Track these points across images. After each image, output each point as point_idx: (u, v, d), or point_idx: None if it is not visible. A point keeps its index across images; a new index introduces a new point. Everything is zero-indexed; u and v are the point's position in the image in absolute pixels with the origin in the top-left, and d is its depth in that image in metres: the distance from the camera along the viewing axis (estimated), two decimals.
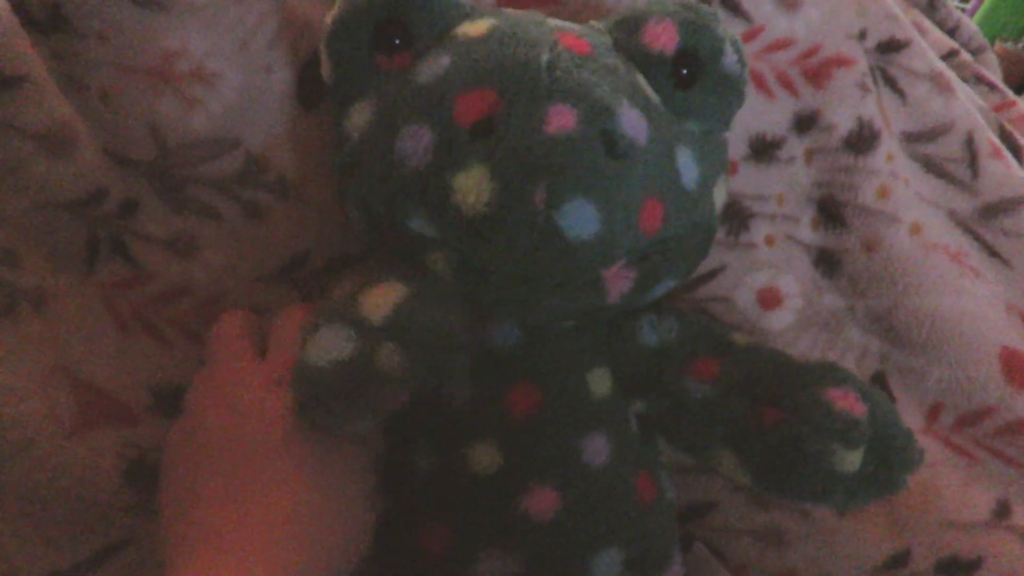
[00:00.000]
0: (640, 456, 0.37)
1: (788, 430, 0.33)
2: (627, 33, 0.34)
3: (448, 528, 0.34)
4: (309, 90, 0.40)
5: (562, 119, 0.30)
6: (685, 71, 0.34)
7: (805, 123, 0.44)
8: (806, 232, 0.45)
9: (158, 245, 0.39)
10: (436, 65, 0.32)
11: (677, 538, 0.38)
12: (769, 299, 0.44)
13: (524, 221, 0.30)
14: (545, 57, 0.31)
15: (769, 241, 0.44)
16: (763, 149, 0.44)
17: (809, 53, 0.44)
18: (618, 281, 0.33)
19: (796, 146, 0.44)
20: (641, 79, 0.33)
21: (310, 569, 0.29)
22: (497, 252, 0.31)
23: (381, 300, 0.29)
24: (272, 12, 0.39)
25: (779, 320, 0.44)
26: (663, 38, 0.34)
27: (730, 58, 0.35)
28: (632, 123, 0.31)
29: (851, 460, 0.32)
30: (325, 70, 0.35)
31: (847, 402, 0.33)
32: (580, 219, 0.30)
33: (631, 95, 0.32)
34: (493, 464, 0.34)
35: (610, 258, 0.31)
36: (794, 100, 0.44)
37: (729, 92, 0.35)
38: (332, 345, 0.28)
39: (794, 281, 0.44)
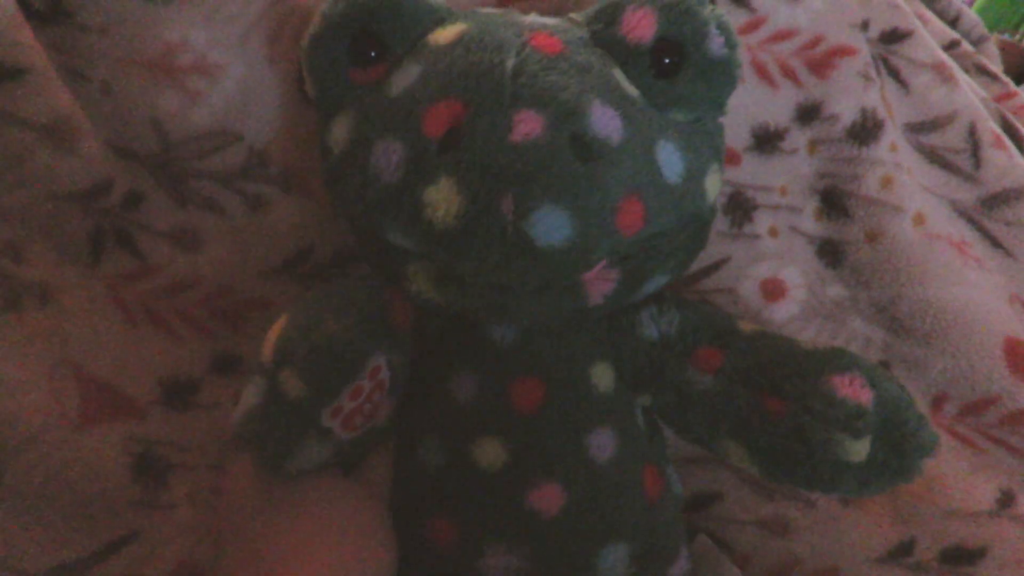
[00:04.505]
0: (646, 451, 0.37)
1: (791, 421, 0.33)
2: (604, 24, 0.33)
3: (455, 523, 0.34)
4: None
5: (528, 126, 0.29)
6: (668, 60, 0.33)
7: (808, 114, 0.44)
8: (809, 223, 0.45)
9: (163, 238, 0.38)
10: (406, 76, 0.32)
11: (683, 532, 0.38)
12: (773, 290, 0.44)
13: (493, 232, 0.29)
14: (511, 62, 0.31)
15: (772, 232, 0.44)
16: (766, 140, 0.44)
17: (812, 43, 0.44)
18: (600, 283, 0.32)
19: (799, 137, 0.44)
20: (618, 73, 0.32)
21: None
22: (471, 263, 0.30)
23: (271, 335, 0.31)
24: (274, 4, 0.39)
25: (783, 311, 0.44)
26: (640, 28, 0.33)
27: (715, 42, 0.33)
28: (604, 123, 0.30)
29: (858, 449, 0.32)
30: (308, 85, 0.35)
31: (852, 390, 0.32)
32: (550, 226, 0.29)
33: (604, 93, 0.31)
34: (499, 460, 0.34)
35: (586, 262, 0.31)
36: (797, 90, 0.44)
37: (718, 76, 0.34)
38: (247, 396, 0.31)
39: (797, 272, 0.44)
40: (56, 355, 0.36)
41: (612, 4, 0.34)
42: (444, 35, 0.33)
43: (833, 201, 0.44)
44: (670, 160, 0.32)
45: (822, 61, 0.44)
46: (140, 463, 0.37)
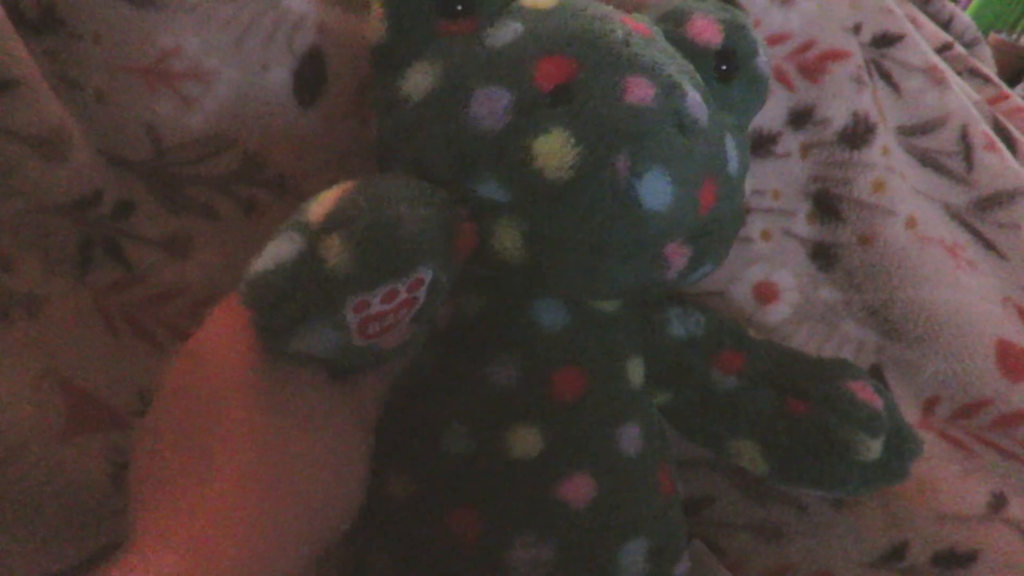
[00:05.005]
0: (663, 448, 0.37)
1: (815, 420, 0.35)
2: (673, 25, 0.35)
3: (481, 513, 0.33)
4: (306, 87, 0.40)
5: (641, 91, 0.30)
6: (724, 67, 0.35)
7: (800, 117, 0.44)
8: (802, 226, 0.45)
9: (153, 246, 0.38)
10: (509, 31, 0.32)
11: (685, 533, 0.38)
12: (766, 293, 0.44)
13: (606, 187, 0.30)
14: (619, 32, 0.32)
15: (765, 235, 0.44)
16: (759, 144, 0.44)
17: (804, 47, 0.44)
18: (677, 257, 0.33)
19: (792, 141, 0.45)
20: (692, 67, 0.34)
21: (281, 529, 0.26)
22: (575, 218, 0.31)
23: (326, 198, 0.28)
24: (267, 9, 0.39)
25: (776, 314, 0.44)
26: (708, 33, 0.35)
27: (762, 58, 0.36)
28: (696, 104, 0.32)
29: (874, 449, 0.34)
30: (377, 30, 0.34)
31: (867, 394, 0.35)
32: (657, 189, 0.30)
33: (692, 79, 0.33)
34: (534, 448, 0.33)
35: (677, 231, 0.32)
36: (789, 94, 0.44)
37: (758, 90, 0.37)
38: (278, 249, 0.27)
39: (790, 275, 0.44)
40: (42, 366, 0.36)
41: (678, 10, 0.36)
42: (540, 1, 0.34)
43: (825, 204, 0.45)
44: (732, 153, 0.34)
45: (814, 65, 0.44)
46: (123, 473, 0.37)
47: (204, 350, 0.29)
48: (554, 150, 0.30)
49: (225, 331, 0.29)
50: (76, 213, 0.37)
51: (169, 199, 0.39)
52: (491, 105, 0.31)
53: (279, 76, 0.39)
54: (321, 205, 0.27)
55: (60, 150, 0.36)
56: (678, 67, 0.33)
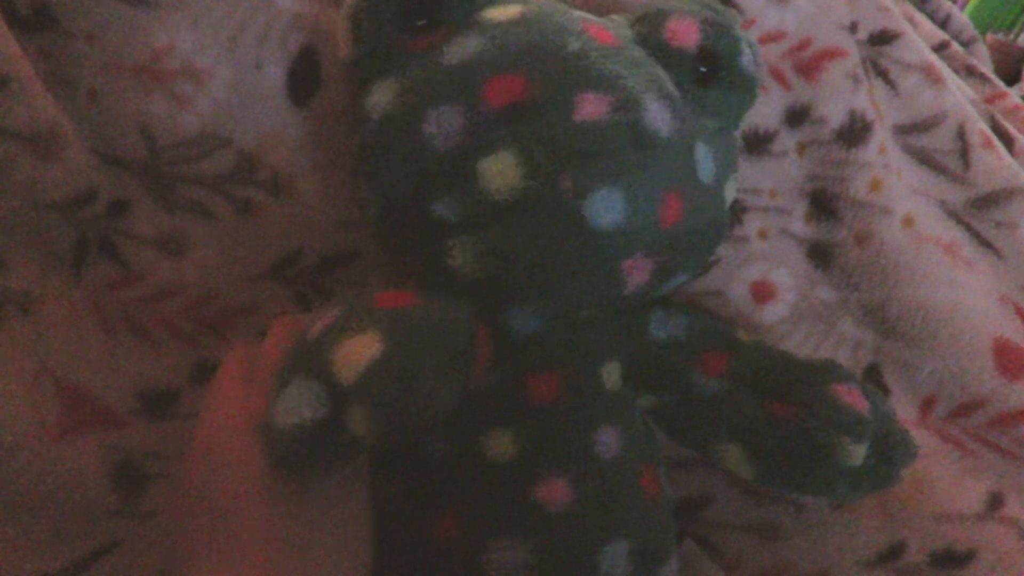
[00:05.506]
0: (645, 451, 0.37)
1: (798, 424, 0.34)
2: (649, 28, 0.35)
3: (460, 516, 0.33)
4: (300, 86, 0.39)
5: (592, 107, 0.30)
6: (704, 69, 0.35)
7: (797, 116, 0.44)
8: (799, 225, 0.45)
9: (148, 245, 0.38)
10: (464, 48, 0.32)
11: (675, 534, 0.38)
12: (762, 292, 0.44)
13: (550, 208, 0.30)
14: (575, 45, 0.31)
15: (762, 235, 0.44)
16: (755, 143, 0.44)
17: (801, 46, 0.44)
18: (636, 272, 0.33)
19: (788, 139, 0.44)
20: (663, 74, 0.34)
21: None
22: (521, 238, 0.31)
23: (355, 356, 0.26)
24: (261, 7, 0.39)
25: (773, 313, 0.44)
26: (685, 35, 0.34)
27: (747, 58, 0.35)
28: (657, 116, 0.31)
29: (857, 454, 0.33)
30: (345, 47, 0.34)
31: (852, 398, 0.34)
32: (605, 208, 0.30)
33: (656, 88, 0.32)
34: (508, 452, 0.33)
35: (631, 248, 0.32)
36: (786, 93, 0.44)
37: (744, 91, 0.36)
38: (299, 405, 0.26)
39: (787, 274, 0.44)
40: (36, 365, 0.36)
41: (655, 11, 0.35)
42: (502, 13, 0.33)
43: (822, 203, 0.44)
44: (705, 161, 0.33)
45: (811, 63, 0.44)
46: (119, 473, 0.37)
47: (217, 449, 0.29)
48: (498, 171, 0.30)
49: (234, 428, 0.29)
50: (70, 211, 0.37)
51: (163, 198, 0.38)
52: (443, 124, 0.31)
53: (273, 75, 0.39)
54: (350, 364, 0.26)
55: (53, 148, 0.36)
56: (643, 77, 0.32)
